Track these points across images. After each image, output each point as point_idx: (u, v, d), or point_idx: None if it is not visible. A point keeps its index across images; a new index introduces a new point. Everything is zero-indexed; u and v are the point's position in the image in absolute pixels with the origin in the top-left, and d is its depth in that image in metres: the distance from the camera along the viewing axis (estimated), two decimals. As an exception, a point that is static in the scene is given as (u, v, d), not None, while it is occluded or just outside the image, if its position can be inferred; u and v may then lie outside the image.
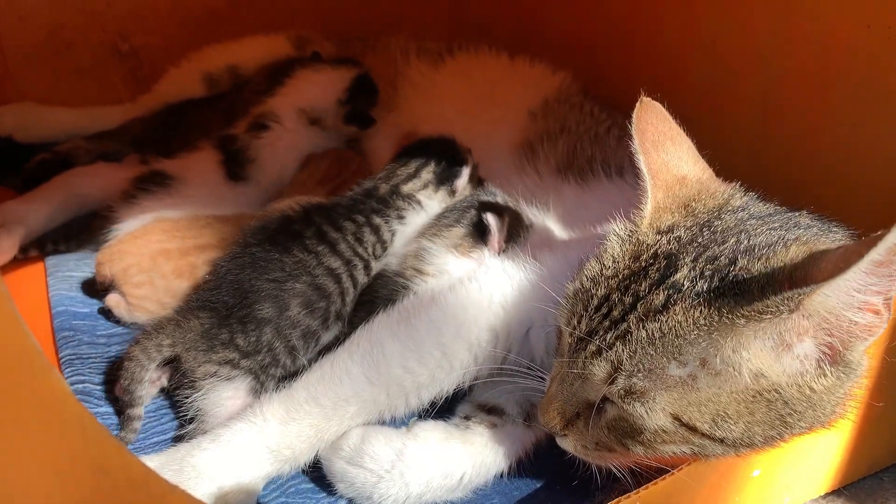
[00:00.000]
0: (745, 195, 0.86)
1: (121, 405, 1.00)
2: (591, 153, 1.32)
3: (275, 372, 1.03)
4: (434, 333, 0.95)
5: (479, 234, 1.12)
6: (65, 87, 1.86)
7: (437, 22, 2.13)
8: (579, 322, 0.78)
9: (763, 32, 1.29)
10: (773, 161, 1.29)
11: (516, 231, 1.12)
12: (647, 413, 0.72)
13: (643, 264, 0.77)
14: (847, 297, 0.64)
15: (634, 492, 0.80)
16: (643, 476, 0.81)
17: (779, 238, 0.73)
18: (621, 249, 0.81)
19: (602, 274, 0.80)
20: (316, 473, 0.96)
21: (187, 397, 0.99)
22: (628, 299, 0.75)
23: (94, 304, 1.25)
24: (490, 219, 1.11)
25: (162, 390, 1.06)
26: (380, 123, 1.61)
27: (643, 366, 0.71)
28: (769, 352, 0.69)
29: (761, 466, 0.91)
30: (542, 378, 0.89)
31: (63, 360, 1.12)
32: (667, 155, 0.86)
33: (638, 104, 0.86)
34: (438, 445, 0.93)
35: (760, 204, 0.84)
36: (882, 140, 1.12)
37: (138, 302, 1.16)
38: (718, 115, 1.36)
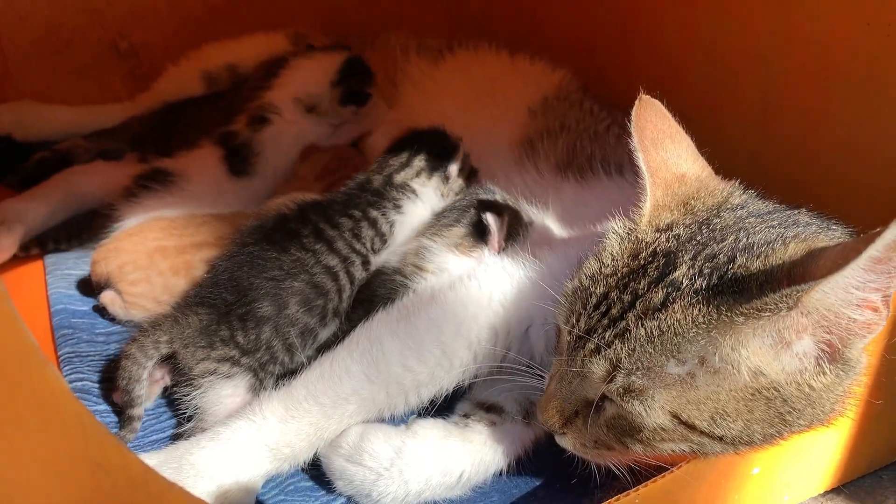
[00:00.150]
0: (744, 193, 0.86)
1: (121, 404, 1.00)
2: (590, 151, 1.32)
3: (273, 369, 1.03)
4: (434, 331, 0.95)
5: (479, 233, 1.12)
6: (64, 86, 1.86)
7: (437, 20, 2.13)
8: (578, 320, 0.78)
9: (763, 31, 1.29)
10: (773, 160, 1.29)
11: (516, 230, 1.12)
12: (646, 411, 0.72)
13: (642, 262, 0.77)
14: (845, 294, 0.64)
15: (634, 489, 0.80)
16: (642, 474, 0.81)
17: (777, 236, 0.73)
18: (620, 247, 0.81)
19: (601, 272, 0.79)
20: (315, 471, 0.96)
21: (186, 395, 0.99)
22: (627, 297, 0.75)
23: (93, 302, 1.25)
24: (489, 218, 1.11)
25: (164, 389, 1.06)
26: (380, 120, 1.61)
27: (642, 364, 0.71)
28: (768, 349, 0.68)
29: (761, 464, 0.91)
30: (541, 376, 0.89)
31: (62, 358, 1.12)
32: (666, 153, 0.86)
33: (637, 102, 0.86)
34: (437, 443, 0.93)
35: (759, 202, 0.84)
36: (882, 139, 1.12)
37: (135, 300, 1.16)
38: (718, 114, 1.36)
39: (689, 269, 0.73)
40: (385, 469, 0.90)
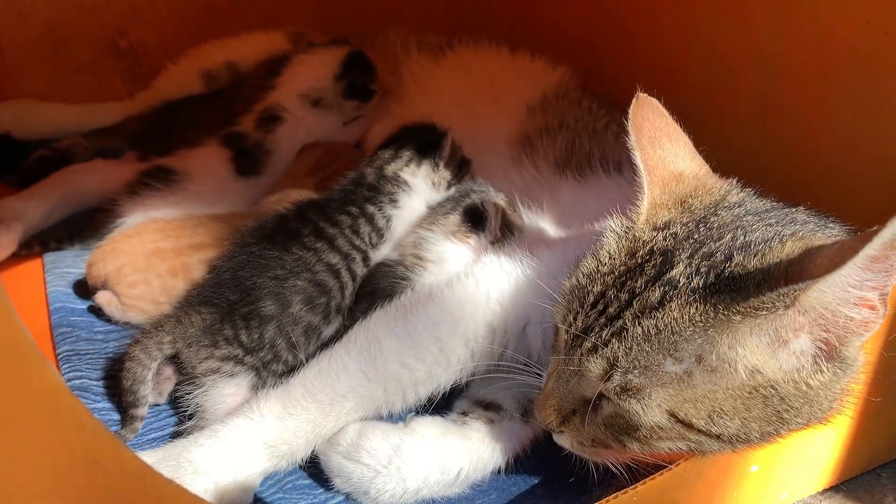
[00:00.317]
0: (741, 191, 0.85)
1: (125, 405, 0.99)
2: (589, 149, 1.32)
3: (276, 368, 1.03)
4: (431, 329, 0.95)
5: (474, 220, 1.15)
6: (63, 84, 1.85)
7: (436, 18, 2.13)
8: (575, 319, 0.78)
9: (762, 30, 1.29)
10: (772, 158, 1.29)
11: (510, 218, 1.15)
12: (643, 410, 0.72)
13: (639, 261, 0.77)
14: (842, 292, 0.64)
15: (632, 487, 0.80)
16: (640, 472, 0.81)
17: (775, 234, 0.73)
18: (617, 246, 0.81)
19: (598, 270, 0.79)
20: (313, 469, 0.96)
21: (188, 393, 0.99)
22: (624, 296, 0.75)
23: (91, 302, 1.25)
24: (486, 204, 1.13)
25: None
26: (380, 118, 1.62)
27: (639, 362, 0.71)
28: (765, 348, 0.68)
29: (759, 462, 0.91)
30: (538, 375, 0.89)
31: (61, 356, 1.12)
32: (663, 151, 0.86)
33: (634, 100, 0.86)
34: (435, 441, 0.93)
35: (757, 200, 0.84)
36: (881, 138, 1.12)
37: (133, 302, 1.16)
38: (717, 113, 1.36)
39: (686, 267, 0.73)
40: (383, 466, 0.90)
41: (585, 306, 0.77)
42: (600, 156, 1.29)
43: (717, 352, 0.69)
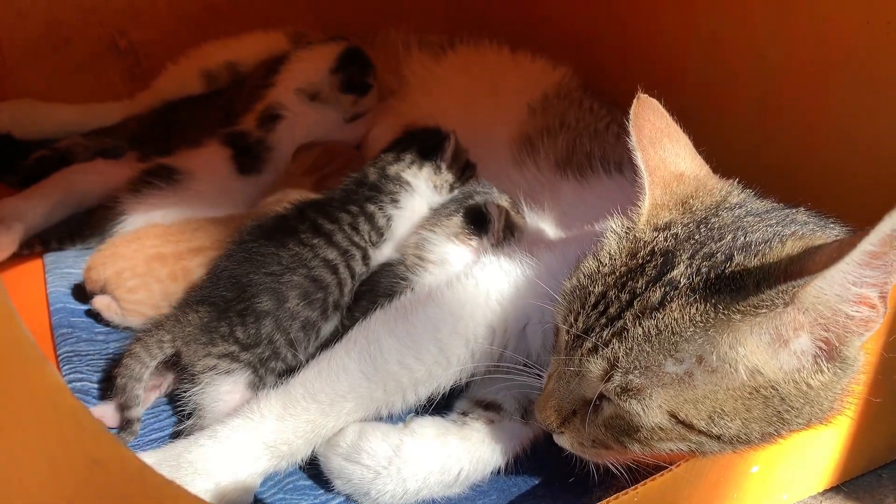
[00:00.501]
0: (742, 192, 0.85)
1: (117, 405, 0.99)
2: (590, 149, 1.32)
3: (275, 366, 1.03)
4: (431, 329, 0.95)
5: (477, 222, 1.14)
6: (63, 84, 1.85)
7: (436, 17, 2.13)
8: (576, 319, 0.78)
9: (762, 29, 1.29)
10: (772, 157, 1.29)
11: (514, 221, 1.14)
12: (644, 410, 0.71)
13: (640, 261, 0.77)
14: (842, 289, 0.64)
15: (633, 488, 0.79)
16: (640, 473, 0.81)
17: (775, 234, 0.73)
18: (618, 246, 0.81)
19: (599, 271, 0.79)
20: (313, 470, 0.96)
21: (185, 391, 0.99)
22: (625, 296, 0.75)
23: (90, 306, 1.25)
24: (489, 207, 1.13)
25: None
26: (382, 118, 1.61)
27: (639, 363, 0.71)
28: (765, 348, 0.68)
29: (760, 463, 0.91)
30: (538, 375, 0.89)
31: (61, 357, 1.12)
32: (664, 152, 0.86)
33: (635, 101, 0.86)
34: (435, 441, 0.93)
35: (757, 201, 0.84)
36: (881, 138, 1.12)
37: (133, 307, 1.15)
38: (717, 112, 1.36)
39: (686, 267, 0.73)
40: (383, 467, 0.90)
41: (586, 307, 0.77)
42: (601, 156, 1.29)
43: (718, 352, 0.69)
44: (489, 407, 1.00)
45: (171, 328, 1.00)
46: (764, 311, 0.66)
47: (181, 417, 1.01)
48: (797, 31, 1.22)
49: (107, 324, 1.19)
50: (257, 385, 1.01)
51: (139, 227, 1.29)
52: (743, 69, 1.34)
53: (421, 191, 1.23)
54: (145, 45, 1.93)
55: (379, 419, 0.96)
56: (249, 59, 1.77)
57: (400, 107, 1.64)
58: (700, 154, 0.90)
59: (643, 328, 0.71)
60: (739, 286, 0.69)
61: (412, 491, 0.90)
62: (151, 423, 1.04)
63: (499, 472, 0.97)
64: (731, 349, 0.68)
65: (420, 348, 0.94)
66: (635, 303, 0.73)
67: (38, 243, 1.38)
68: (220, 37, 1.85)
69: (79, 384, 1.07)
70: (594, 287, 0.78)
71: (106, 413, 0.99)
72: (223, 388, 0.98)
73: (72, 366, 1.10)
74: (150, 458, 0.87)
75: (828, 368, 0.69)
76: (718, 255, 0.73)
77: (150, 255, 1.17)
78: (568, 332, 0.78)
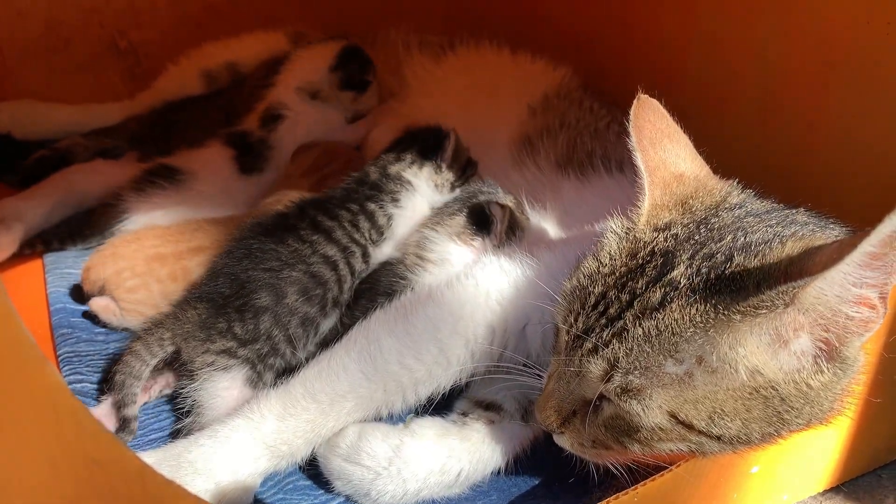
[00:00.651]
0: (742, 192, 0.85)
1: (114, 403, 0.99)
2: (590, 148, 1.32)
3: (273, 362, 1.03)
4: (431, 329, 0.95)
5: (480, 223, 1.14)
6: (63, 84, 1.85)
7: (435, 19, 2.13)
8: (576, 320, 0.78)
9: (763, 29, 1.29)
10: (772, 157, 1.29)
11: (517, 221, 1.14)
12: (644, 411, 0.71)
13: (640, 262, 0.77)
14: (842, 290, 0.64)
15: (633, 488, 0.79)
16: (640, 473, 0.81)
17: (775, 234, 0.73)
18: (618, 247, 0.81)
19: (599, 271, 0.79)
20: (313, 470, 0.96)
21: (183, 388, 1.00)
22: (625, 297, 0.75)
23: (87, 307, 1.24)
24: (493, 208, 1.13)
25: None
26: (383, 119, 1.61)
27: (639, 363, 0.71)
28: (766, 348, 0.68)
29: (760, 463, 0.91)
30: (538, 375, 0.89)
31: (61, 357, 1.12)
32: (664, 152, 0.86)
33: (635, 101, 0.86)
34: (435, 442, 0.93)
35: (757, 201, 0.84)
36: (881, 136, 1.12)
37: (133, 306, 1.15)
38: (718, 112, 1.36)
39: (686, 268, 0.73)
40: (383, 468, 0.90)
41: (586, 307, 0.77)
42: (602, 154, 1.29)
43: (718, 352, 0.69)
44: (489, 407, 1.00)
45: (170, 326, 1.00)
46: (764, 311, 0.66)
47: (180, 416, 1.01)
48: (797, 31, 1.22)
49: (104, 325, 1.19)
50: (255, 381, 1.01)
51: (139, 228, 1.29)
52: (743, 69, 1.34)
53: (422, 190, 1.23)
54: (145, 45, 1.93)
55: (379, 419, 0.96)
56: (250, 60, 1.78)
57: (400, 108, 1.64)
58: (700, 154, 0.90)
59: (643, 329, 0.71)
60: (739, 287, 0.69)
61: (412, 491, 0.90)
62: (151, 423, 1.04)
63: (499, 473, 0.97)
64: (731, 350, 0.68)
65: (420, 348, 0.94)
66: (635, 303, 0.73)
67: (40, 243, 1.38)
68: (220, 37, 1.85)
69: (78, 385, 1.07)
70: (594, 287, 0.78)
71: (105, 413, 0.99)
72: (221, 385, 0.98)
73: (72, 366, 1.10)
74: (149, 457, 0.87)
75: (828, 369, 0.69)
76: (718, 255, 0.73)
77: (149, 255, 1.17)
78: (568, 332, 0.78)
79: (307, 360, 1.00)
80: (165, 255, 1.17)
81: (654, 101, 0.87)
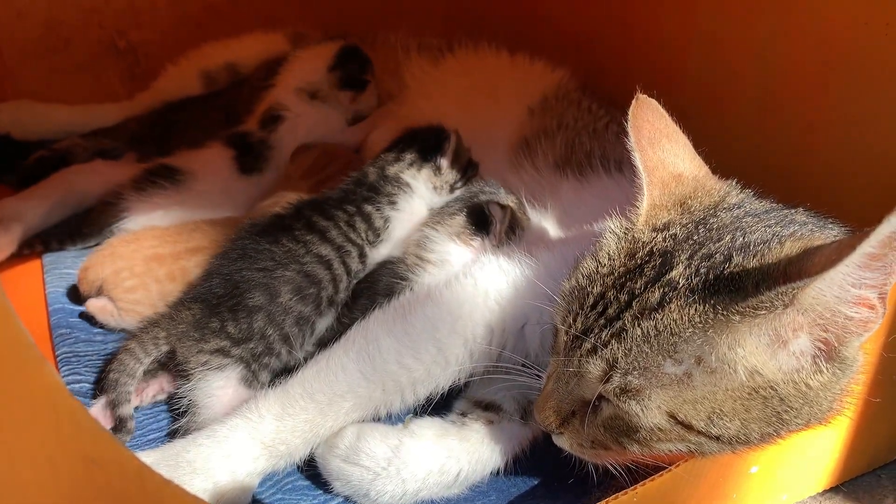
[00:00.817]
0: (741, 192, 0.85)
1: (108, 402, 0.99)
2: (589, 148, 1.32)
3: (268, 361, 1.03)
4: (429, 329, 0.95)
5: (480, 223, 1.14)
6: (62, 85, 1.86)
7: (434, 20, 2.13)
8: (575, 320, 0.77)
9: (762, 29, 1.29)
10: (772, 157, 1.29)
11: (518, 222, 1.14)
12: (643, 411, 0.71)
13: (639, 262, 0.77)
14: (841, 290, 0.64)
15: (632, 488, 0.79)
16: (640, 473, 0.81)
17: (774, 235, 0.73)
18: (617, 247, 0.81)
19: (598, 271, 0.79)
20: (312, 470, 0.96)
21: (179, 388, 1.00)
22: (624, 297, 0.74)
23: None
24: (493, 208, 1.13)
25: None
26: (383, 121, 1.62)
27: (638, 364, 0.71)
28: (765, 348, 0.68)
29: (759, 463, 0.91)
30: (537, 375, 0.89)
31: (60, 357, 1.12)
32: (663, 152, 0.86)
33: (634, 101, 0.86)
34: (435, 442, 0.93)
35: (756, 201, 0.84)
36: (881, 136, 1.12)
37: (131, 306, 1.15)
38: (717, 112, 1.36)
39: (685, 268, 0.73)
40: (382, 468, 0.90)
41: (585, 307, 0.77)
42: (601, 154, 1.29)
43: (717, 353, 0.69)
44: (488, 407, 1.00)
45: (166, 325, 1.01)
46: (763, 312, 0.66)
47: (176, 416, 1.01)
48: (797, 31, 1.22)
49: (101, 326, 1.19)
50: (250, 381, 1.01)
51: (138, 228, 1.30)
52: (743, 69, 1.34)
53: (420, 192, 1.23)
54: (145, 45, 1.93)
55: (377, 419, 0.96)
56: (249, 60, 1.78)
57: (399, 110, 1.64)
58: (700, 154, 0.90)
59: (642, 329, 0.71)
60: (738, 287, 0.69)
61: (411, 492, 0.90)
62: (150, 423, 1.04)
63: (498, 473, 0.97)
64: (730, 350, 0.68)
65: (419, 348, 0.94)
66: (634, 303, 0.73)
67: (39, 243, 1.38)
68: (219, 37, 1.85)
69: (77, 385, 1.07)
70: (593, 288, 0.78)
71: (99, 413, 0.99)
72: (215, 384, 0.98)
73: (70, 366, 1.10)
74: (148, 457, 0.87)
75: (827, 369, 0.69)
76: (717, 255, 0.73)
77: (148, 256, 1.17)
78: (567, 332, 0.78)
79: (305, 360, 1.00)
80: (164, 256, 1.17)
81: (653, 101, 0.87)
